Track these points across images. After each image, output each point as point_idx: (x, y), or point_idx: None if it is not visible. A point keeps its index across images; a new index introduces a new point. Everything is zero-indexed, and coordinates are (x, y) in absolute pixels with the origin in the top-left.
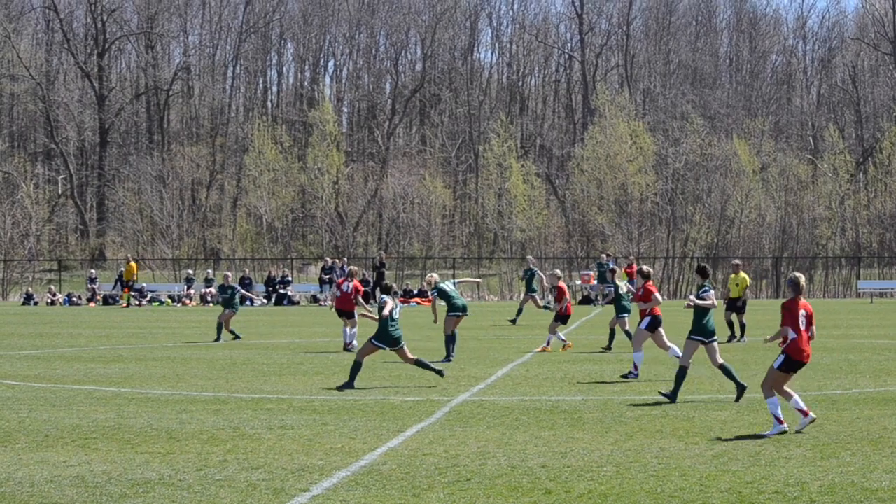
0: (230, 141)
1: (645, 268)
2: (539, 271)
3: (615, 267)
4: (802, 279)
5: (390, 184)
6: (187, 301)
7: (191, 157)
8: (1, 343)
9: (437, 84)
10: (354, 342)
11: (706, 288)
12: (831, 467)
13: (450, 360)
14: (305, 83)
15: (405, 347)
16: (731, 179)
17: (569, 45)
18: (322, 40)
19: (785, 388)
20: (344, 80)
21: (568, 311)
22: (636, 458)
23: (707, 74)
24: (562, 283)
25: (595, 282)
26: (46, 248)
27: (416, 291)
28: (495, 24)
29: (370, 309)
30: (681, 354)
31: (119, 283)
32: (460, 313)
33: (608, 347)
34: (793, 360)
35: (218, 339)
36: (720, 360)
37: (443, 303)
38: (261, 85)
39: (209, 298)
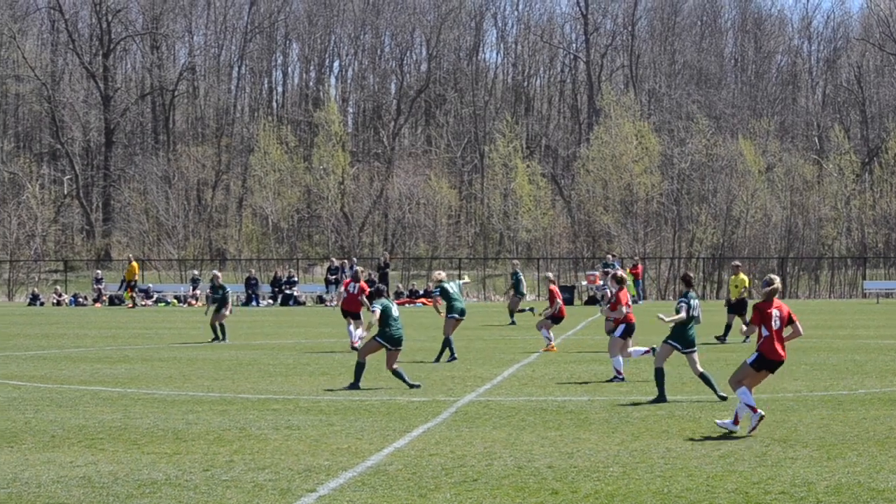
0: (235, 141)
1: (619, 273)
2: (522, 276)
3: (609, 270)
4: (777, 280)
5: (396, 184)
6: (193, 301)
7: (196, 157)
8: (7, 343)
9: (442, 84)
10: (360, 341)
11: (684, 299)
12: (838, 468)
13: (454, 359)
14: (311, 83)
15: (397, 354)
16: (737, 180)
17: (574, 45)
18: (327, 41)
19: (751, 388)
20: (349, 81)
21: (561, 313)
22: (643, 458)
23: (712, 75)
24: (553, 286)
25: (601, 282)
26: (52, 249)
27: (421, 292)
28: (500, 25)
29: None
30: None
31: (124, 285)
32: (456, 316)
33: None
34: (766, 359)
35: (223, 339)
36: (700, 370)
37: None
38: (266, 85)
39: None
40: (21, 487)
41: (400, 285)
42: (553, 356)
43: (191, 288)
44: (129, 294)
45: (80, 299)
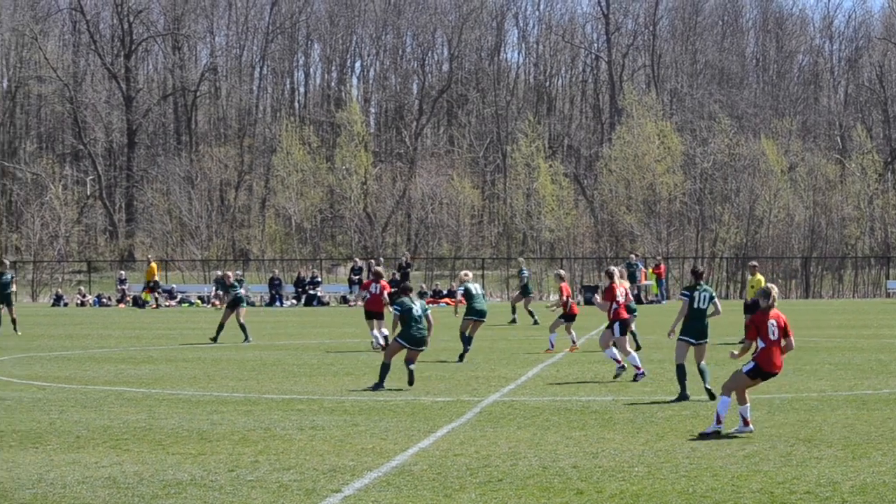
0: (258, 142)
1: (611, 268)
2: (528, 274)
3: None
4: (774, 290)
5: (418, 184)
6: (216, 302)
7: (219, 157)
8: (31, 344)
9: (464, 84)
10: (382, 341)
11: (685, 293)
12: (863, 467)
13: (463, 358)
14: (332, 84)
15: (417, 354)
16: (760, 179)
17: (595, 45)
18: (349, 41)
19: (745, 393)
20: (371, 81)
21: (573, 311)
22: (667, 458)
23: (734, 74)
24: (565, 284)
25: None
26: (76, 250)
27: (445, 292)
28: (521, 25)
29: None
30: (618, 357)
31: (146, 285)
32: (475, 318)
33: (637, 347)
34: (762, 371)
35: (245, 339)
36: (703, 365)
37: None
38: (288, 86)
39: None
40: (46, 488)
41: (423, 285)
42: (577, 356)
43: (214, 288)
44: (149, 295)
45: (104, 300)
